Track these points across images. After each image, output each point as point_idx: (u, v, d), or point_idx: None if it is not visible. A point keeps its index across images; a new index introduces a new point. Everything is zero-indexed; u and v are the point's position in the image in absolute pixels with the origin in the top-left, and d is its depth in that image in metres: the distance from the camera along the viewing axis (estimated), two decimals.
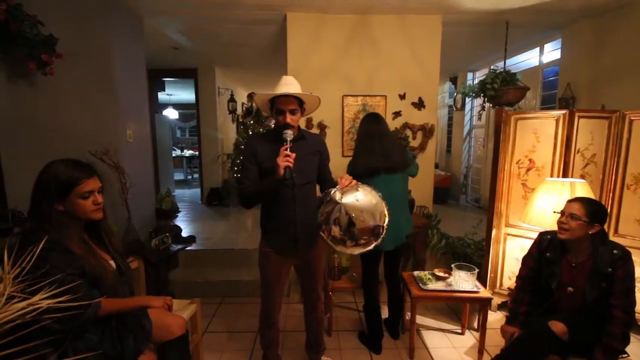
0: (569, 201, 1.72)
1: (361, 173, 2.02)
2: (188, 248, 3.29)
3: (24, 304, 0.69)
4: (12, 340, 1.15)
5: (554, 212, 1.87)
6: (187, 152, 9.36)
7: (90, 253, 1.25)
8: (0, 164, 1.76)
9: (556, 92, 3.86)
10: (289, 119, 1.62)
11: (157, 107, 6.70)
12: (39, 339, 1.14)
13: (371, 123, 2.19)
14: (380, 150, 2.09)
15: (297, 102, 1.65)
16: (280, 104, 1.63)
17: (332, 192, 1.50)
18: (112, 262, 1.35)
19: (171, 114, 8.26)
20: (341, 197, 1.45)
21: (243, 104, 6.60)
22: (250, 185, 1.67)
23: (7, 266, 0.72)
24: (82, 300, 1.13)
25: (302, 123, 3.25)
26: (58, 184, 1.21)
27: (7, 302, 0.72)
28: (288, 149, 1.54)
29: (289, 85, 1.66)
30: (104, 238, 1.37)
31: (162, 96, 7.79)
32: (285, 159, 1.52)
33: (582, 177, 2.36)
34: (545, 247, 1.79)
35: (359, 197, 1.47)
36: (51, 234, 1.16)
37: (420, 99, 3.28)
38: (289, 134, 1.58)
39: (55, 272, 1.07)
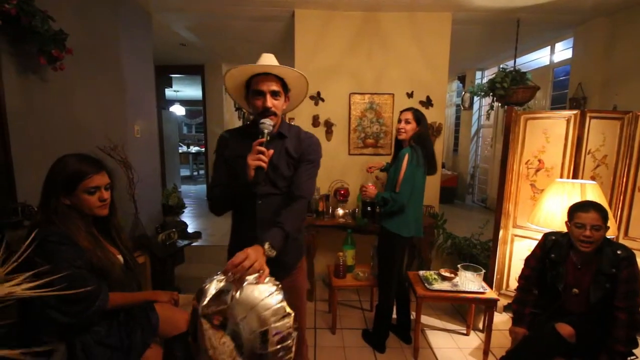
0: (582, 211, 1.64)
1: (423, 167, 2.15)
2: (194, 244, 3.30)
3: (11, 284, 0.69)
4: (20, 331, 1.16)
5: (566, 222, 1.79)
6: (194, 149, 9.40)
7: (97, 247, 1.26)
8: (11, 158, 1.78)
9: (567, 92, 3.80)
10: (270, 102, 1.26)
11: (164, 103, 6.74)
12: (47, 331, 1.15)
13: (424, 118, 2.24)
14: (432, 155, 2.23)
15: (281, 84, 1.31)
16: (259, 83, 1.27)
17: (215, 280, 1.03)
18: (119, 257, 1.36)
19: (178, 110, 8.30)
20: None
21: None
22: (217, 189, 1.35)
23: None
24: (90, 293, 1.14)
25: (308, 120, 3.24)
26: (65, 177, 1.22)
27: None
28: (263, 144, 1.18)
29: (270, 63, 1.30)
30: (113, 233, 1.38)
31: (169, 92, 7.84)
32: (257, 157, 1.16)
33: (593, 178, 2.32)
34: (550, 248, 1.77)
35: (240, 295, 0.96)
36: (59, 227, 1.17)
37: (428, 97, 3.25)
38: (268, 125, 1.23)
39: (64, 266, 1.08)
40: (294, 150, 1.37)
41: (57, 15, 1.85)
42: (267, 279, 1.02)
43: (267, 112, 1.26)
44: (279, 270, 1.31)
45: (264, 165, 1.17)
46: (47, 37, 1.77)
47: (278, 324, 0.93)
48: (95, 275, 1.20)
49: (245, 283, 0.98)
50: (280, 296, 0.97)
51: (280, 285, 1.02)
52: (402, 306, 2.43)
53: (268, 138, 1.22)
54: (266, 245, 1.11)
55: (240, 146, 1.30)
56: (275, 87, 1.28)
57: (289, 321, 0.94)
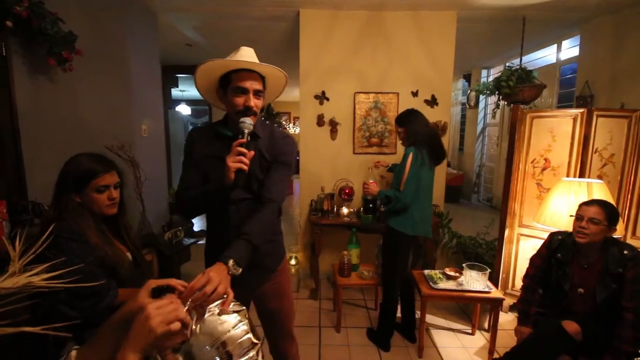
0: (585, 204, 1.68)
1: (422, 163, 2.13)
2: (199, 242, 3.33)
3: (27, 274, 0.71)
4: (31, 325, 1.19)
5: (570, 215, 1.83)
6: None
7: (107, 244, 1.28)
8: (22, 157, 1.82)
9: (574, 90, 3.77)
10: (253, 102, 1.18)
11: (170, 103, 6.79)
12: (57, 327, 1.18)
13: (425, 124, 2.26)
14: (434, 149, 2.22)
15: (262, 83, 1.23)
16: (242, 80, 1.17)
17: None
18: (128, 254, 1.38)
19: (184, 109, 8.35)
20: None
21: None
22: (188, 192, 1.24)
23: (17, 248, 0.75)
24: (100, 289, 1.17)
25: (313, 120, 3.26)
26: (76, 175, 1.25)
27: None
28: (244, 145, 1.10)
29: (252, 58, 1.20)
30: (122, 231, 1.40)
31: (175, 92, 7.89)
32: (239, 159, 1.07)
33: (600, 177, 2.30)
34: (556, 247, 1.77)
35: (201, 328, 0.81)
36: (71, 224, 1.20)
37: (433, 96, 3.25)
38: (249, 124, 1.13)
39: (75, 262, 1.10)
40: (267, 151, 1.27)
41: (66, 17, 1.89)
42: (232, 303, 0.88)
43: (248, 112, 1.17)
44: (260, 274, 1.34)
45: (245, 167, 1.08)
46: (57, 39, 1.81)
47: (243, 358, 0.82)
48: (105, 272, 1.23)
49: (208, 314, 0.83)
50: (245, 326, 0.84)
51: (244, 309, 0.89)
52: (407, 305, 2.43)
53: (249, 138, 1.13)
54: (230, 263, 1.00)
55: (208, 146, 1.24)
56: (258, 85, 1.20)
57: (254, 354, 0.83)
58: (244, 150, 1.09)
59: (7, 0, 1.56)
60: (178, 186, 1.29)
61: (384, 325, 2.33)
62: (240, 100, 1.17)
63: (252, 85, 1.18)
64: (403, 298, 2.41)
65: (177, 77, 6.33)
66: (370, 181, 2.37)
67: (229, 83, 1.18)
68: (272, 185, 1.25)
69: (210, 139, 1.26)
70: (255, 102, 1.18)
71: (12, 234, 0.72)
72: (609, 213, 1.60)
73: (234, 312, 0.87)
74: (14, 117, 1.77)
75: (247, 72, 1.18)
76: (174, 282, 0.80)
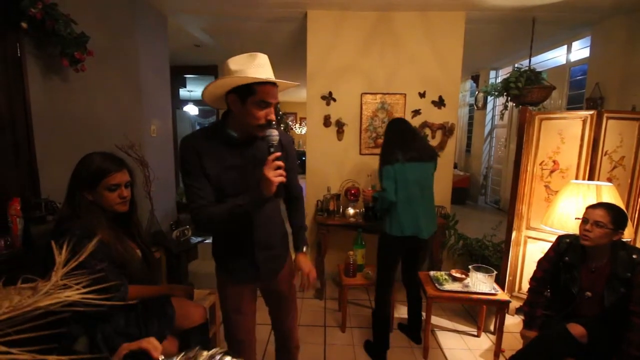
0: (591, 207, 1.67)
1: (395, 161, 2.08)
2: (207, 241, 3.37)
3: (67, 293, 0.71)
4: (44, 323, 1.22)
5: (576, 218, 1.82)
6: None
7: (118, 241, 1.31)
8: (35, 155, 1.86)
9: (584, 92, 3.73)
10: (273, 115, 1.19)
11: (179, 103, 6.85)
12: (69, 321, 1.21)
13: (397, 124, 2.25)
14: (409, 142, 2.15)
15: None
16: (268, 95, 1.15)
17: None
18: (138, 251, 1.41)
19: (191, 110, 8.43)
20: None
21: None
22: (209, 208, 1.19)
23: (63, 254, 0.76)
24: (113, 285, 1.19)
25: (320, 120, 3.27)
26: (88, 173, 1.28)
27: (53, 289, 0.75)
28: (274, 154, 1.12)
29: (269, 68, 1.18)
30: (132, 229, 1.43)
31: (183, 92, 7.96)
32: (279, 173, 1.10)
33: (609, 180, 2.28)
34: (564, 250, 1.75)
35: None
36: (83, 221, 1.23)
37: (440, 97, 3.24)
38: (275, 136, 1.15)
39: (89, 260, 1.13)
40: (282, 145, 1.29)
41: (78, 18, 1.92)
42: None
43: (270, 125, 1.18)
44: (282, 261, 1.45)
45: (284, 180, 1.12)
46: (69, 40, 1.85)
47: None
48: (117, 269, 1.26)
49: None
50: None
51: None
52: (413, 306, 2.41)
53: (280, 148, 1.17)
54: (305, 249, 1.43)
55: (222, 158, 1.21)
56: (277, 98, 1.20)
57: None
58: (281, 163, 1.11)
59: (22, 2, 1.59)
60: (191, 202, 1.20)
61: (377, 336, 2.25)
62: (262, 113, 1.16)
63: (276, 98, 1.18)
64: (409, 299, 2.39)
65: (185, 77, 6.39)
66: (369, 188, 2.42)
67: (251, 94, 1.14)
68: (296, 182, 1.47)
69: (219, 150, 1.22)
70: (273, 115, 1.20)
71: (60, 242, 0.74)
72: (615, 216, 1.58)
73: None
74: (27, 116, 1.81)
75: (272, 86, 1.17)
76: (147, 345, 0.71)
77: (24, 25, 1.64)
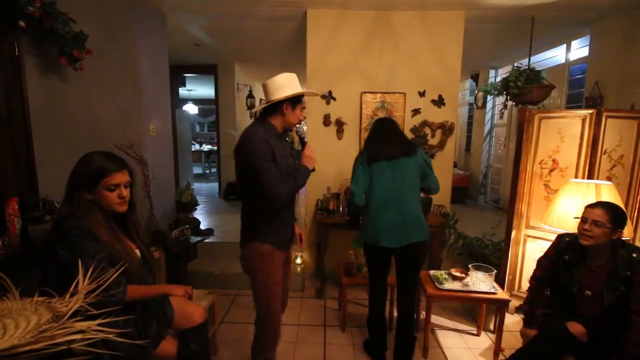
0: (590, 206, 1.66)
1: (366, 161, 1.97)
2: (206, 240, 3.36)
3: (85, 324, 0.72)
4: None
5: (575, 217, 1.82)
6: (206, 147, 9.52)
7: (116, 240, 1.31)
8: (33, 155, 1.85)
9: (583, 91, 3.73)
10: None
11: (178, 102, 6.84)
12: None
13: (378, 122, 2.15)
14: (381, 140, 2.01)
15: None
16: (303, 102, 1.70)
17: None
18: (137, 251, 1.40)
19: (191, 109, 8.42)
20: None
21: (261, 100, 6.67)
22: (283, 184, 1.54)
23: (86, 280, 0.76)
24: (110, 285, 1.19)
25: (319, 119, 3.26)
26: (88, 173, 1.27)
27: (71, 317, 0.76)
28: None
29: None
30: (131, 229, 1.42)
31: (182, 91, 7.96)
32: (314, 156, 1.69)
33: (609, 179, 2.28)
34: (564, 249, 1.75)
35: None
36: (82, 221, 1.22)
37: (440, 96, 3.24)
38: (304, 131, 1.67)
39: (86, 259, 1.12)
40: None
41: (77, 17, 1.91)
42: None
43: (300, 122, 1.73)
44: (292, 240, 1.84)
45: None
46: (68, 39, 1.84)
47: None
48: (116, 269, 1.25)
49: None
50: None
51: None
52: (400, 322, 2.06)
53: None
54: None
55: (281, 148, 1.62)
56: None
57: None
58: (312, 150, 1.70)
59: (20, 0, 1.59)
60: (271, 183, 1.50)
61: (371, 337, 2.21)
62: (299, 115, 1.67)
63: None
64: (398, 308, 2.10)
65: (185, 76, 6.37)
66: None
67: (299, 101, 1.65)
68: None
69: (275, 142, 1.58)
70: None
71: (84, 269, 0.74)
72: (614, 216, 1.58)
73: None
74: (25, 115, 1.80)
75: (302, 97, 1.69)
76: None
77: (22, 23, 1.63)
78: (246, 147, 1.53)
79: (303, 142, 1.76)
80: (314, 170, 1.68)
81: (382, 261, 2.06)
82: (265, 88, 1.63)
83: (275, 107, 1.60)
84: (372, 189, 1.95)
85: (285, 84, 1.59)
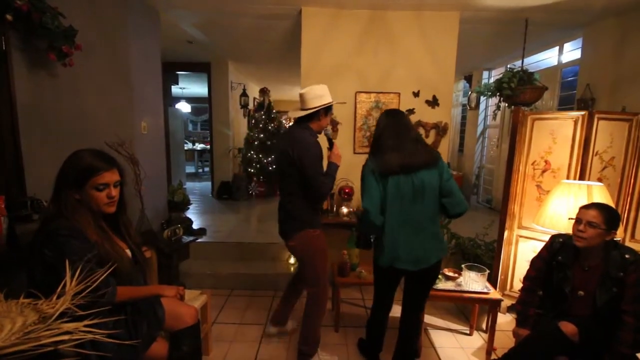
0: (584, 207, 1.68)
1: (379, 173, 1.70)
2: (198, 240, 3.33)
3: (72, 325, 0.71)
4: None
5: (569, 218, 1.84)
6: (199, 146, 9.44)
7: (106, 240, 1.28)
8: (21, 152, 1.81)
9: (575, 93, 3.77)
10: None
11: (171, 100, 6.77)
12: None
13: (392, 116, 1.82)
14: (396, 145, 1.71)
15: None
16: (332, 110, 2.01)
17: None
18: (128, 251, 1.37)
19: (184, 107, 8.33)
20: None
21: (255, 98, 6.62)
22: (330, 177, 1.91)
23: (74, 281, 0.75)
24: (99, 286, 1.16)
25: None
26: (76, 171, 1.23)
27: (59, 318, 0.75)
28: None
29: None
30: (122, 229, 1.39)
31: (175, 89, 7.87)
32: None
33: (600, 180, 2.30)
34: (557, 250, 1.76)
35: None
36: (70, 221, 1.19)
37: (434, 97, 3.25)
38: (330, 131, 1.96)
39: (74, 260, 1.09)
40: None
41: (66, 11, 1.87)
42: None
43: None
44: (285, 234, 2.04)
45: None
46: (57, 34, 1.79)
47: None
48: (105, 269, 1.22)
49: None
50: None
51: None
52: (401, 339, 1.97)
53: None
54: None
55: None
56: None
57: None
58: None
59: None
60: (320, 179, 1.83)
61: (368, 339, 2.19)
62: (329, 120, 2.04)
63: None
64: (400, 328, 1.96)
65: (178, 74, 6.30)
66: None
67: (330, 110, 1.98)
68: None
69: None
70: None
71: (72, 270, 0.72)
72: (608, 217, 1.59)
73: None
74: (13, 112, 1.75)
75: None
76: None
77: (9, 17, 1.58)
78: (302, 147, 1.80)
79: (331, 142, 2.00)
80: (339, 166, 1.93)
81: (394, 282, 1.91)
82: (302, 97, 1.91)
83: (313, 114, 1.89)
84: (387, 205, 1.68)
85: (323, 94, 1.90)
